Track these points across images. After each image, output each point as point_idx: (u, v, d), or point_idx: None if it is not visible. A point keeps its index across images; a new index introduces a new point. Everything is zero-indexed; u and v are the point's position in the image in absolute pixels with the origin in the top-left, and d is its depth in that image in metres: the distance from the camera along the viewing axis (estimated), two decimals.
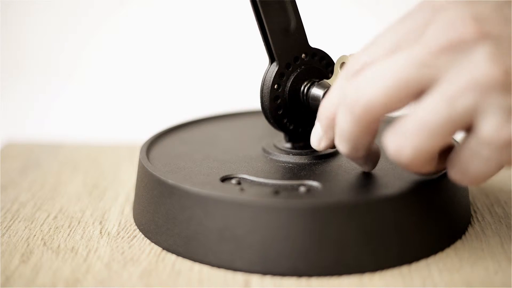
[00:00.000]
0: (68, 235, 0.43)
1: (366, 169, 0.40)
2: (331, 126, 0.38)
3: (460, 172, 0.35)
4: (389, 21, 0.36)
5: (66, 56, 0.71)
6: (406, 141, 0.34)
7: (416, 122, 0.33)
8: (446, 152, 0.36)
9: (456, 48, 0.33)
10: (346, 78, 0.36)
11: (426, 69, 0.33)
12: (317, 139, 0.40)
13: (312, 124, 0.45)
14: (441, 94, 0.33)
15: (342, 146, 0.37)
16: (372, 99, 0.34)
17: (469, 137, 0.34)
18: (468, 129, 0.34)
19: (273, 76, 0.43)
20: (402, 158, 0.34)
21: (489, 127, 0.32)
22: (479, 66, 0.32)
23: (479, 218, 0.44)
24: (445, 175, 0.40)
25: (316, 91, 0.43)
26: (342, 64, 0.42)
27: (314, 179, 0.40)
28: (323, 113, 0.38)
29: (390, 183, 0.40)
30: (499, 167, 0.34)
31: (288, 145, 0.45)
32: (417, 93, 0.33)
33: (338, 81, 0.37)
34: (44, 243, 0.42)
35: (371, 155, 0.39)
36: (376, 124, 0.35)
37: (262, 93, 0.43)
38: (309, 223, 0.36)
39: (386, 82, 0.33)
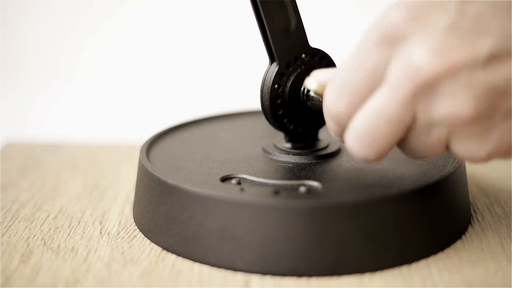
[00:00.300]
0: (68, 235, 0.43)
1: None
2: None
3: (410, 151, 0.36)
4: None
5: (66, 56, 0.71)
6: (354, 143, 0.35)
7: (409, 148, 0.35)
8: None
9: (423, 91, 0.33)
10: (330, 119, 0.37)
11: (405, 117, 0.34)
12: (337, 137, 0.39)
13: (312, 124, 0.45)
14: (418, 130, 0.34)
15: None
16: (375, 156, 0.35)
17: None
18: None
19: (273, 76, 0.43)
20: (358, 157, 0.35)
21: (462, 150, 0.34)
22: (448, 105, 0.33)
23: (479, 218, 0.44)
24: (445, 175, 0.40)
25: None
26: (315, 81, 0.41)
27: (314, 179, 0.40)
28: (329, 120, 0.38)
29: (390, 183, 0.40)
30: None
31: (288, 145, 0.45)
32: (406, 129, 0.34)
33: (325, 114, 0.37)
34: (44, 243, 0.42)
35: None
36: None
37: (262, 93, 0.43)
38: (309, 223, 0.36)
39: (372, 142, 0.34)
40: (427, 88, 0.32)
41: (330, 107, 0.36)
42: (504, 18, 0.32)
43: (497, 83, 0.32)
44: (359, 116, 0.34)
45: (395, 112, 0.33)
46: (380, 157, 0.35)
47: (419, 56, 0.32)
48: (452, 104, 0.32)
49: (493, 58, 0.32)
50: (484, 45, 0.32)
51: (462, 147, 0.34)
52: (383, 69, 0.34)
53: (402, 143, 0.35)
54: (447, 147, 0.35)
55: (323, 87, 0.39)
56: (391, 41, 0.33)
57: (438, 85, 0.32)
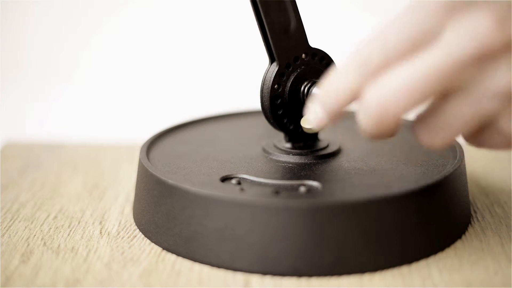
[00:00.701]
0: (68, 235, 0.43)
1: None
2: (337, 113, 0.36)
3: (477, 141, 0.36)
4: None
5: (66, 56, 0.71)
6: (434, 137, 0.35)
7: (441, 123, 0.34)
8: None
9: (483, 60, 0.32)
10: (360, 73, 0.34)
11: (451, 82, 0.33)
12: (318, 121, 0.37)
13: None
14: (465, 100, 0.33)
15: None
16: (395, 112, 0.33)
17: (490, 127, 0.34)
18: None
19: (273, 76, 0.43)
20: (432, 146, 0.35)
21: (508, 126, 0.34)
22: (505, 77, 0.32)
23: (479, 218, 0.44)
24: (445, 175, 0.40)
25: (316, 91, 0.43)
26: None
27: (314, 179, 0.40)
28: (330, 100, 0.35)
29: (390, 183, 0.40)
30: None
31: (288, 145, 0.45)
32: (444, 95, 0.34)
33: (347, 69, 0.34)
34: (44, 243, 0.42)
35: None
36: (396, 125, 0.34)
37: (262, 93, 0.43)
38: (309, 223, 0.36)
39: (409, 97, 0.33)
40: (488, 56, 0.32)
41: (363, 51, 0.34)
42: None
43: None
44: (408, 68, 0.33)
45: (448, 70, 0.32)
46: (393, 127, 0.34)
47: (484, 25, 0.32)
48: (508, 75, 0.32)
49: None
50: None
51: (509, 123, 0.33)
52: (433, 35, 0.33)
53: (433, 110, 0.34)
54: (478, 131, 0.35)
55: None
56: (456, 8, 0.32)
57: (500, 54, 0.32)
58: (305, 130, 0.41)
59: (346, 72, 0.35)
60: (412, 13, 0.33)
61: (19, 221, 0.45)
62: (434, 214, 0.39)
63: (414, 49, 0.33)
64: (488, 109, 0.33)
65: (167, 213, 0.40)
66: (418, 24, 0.33)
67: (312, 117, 0.37)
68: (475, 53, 0.32)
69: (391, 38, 0.33)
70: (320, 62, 0.44)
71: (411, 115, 0.35)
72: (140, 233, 0.43)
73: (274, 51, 0.42)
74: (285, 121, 0.44)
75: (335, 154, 0.45)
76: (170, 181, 0.40)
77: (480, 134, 0.35)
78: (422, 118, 0.35)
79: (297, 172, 0.42)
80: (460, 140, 0.38)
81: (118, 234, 0.43)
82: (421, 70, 0.32)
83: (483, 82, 0.33)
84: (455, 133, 0.34)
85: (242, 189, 0.39)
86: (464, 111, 0.33)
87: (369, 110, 0.34)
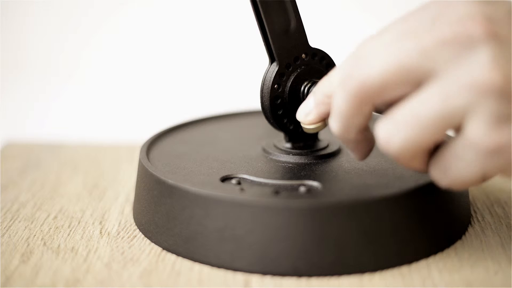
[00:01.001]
0: (68, 235, 0.43)
1: (356, 157, 0.39)
2: (324, 103, 0.37)
3: (440, 171, 0.34)
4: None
5: (66, 56, 0.71)
6: (396, 131, 0.33)
7: (408, 113, 0.33)
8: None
9: (461, 43, 0.32)
10: (350, 59, 0.35)
11: (428, 59, 0.32)
12: (306, 112, 0.39)
13: None
14: (438, 89, 0.32)
15: (334, 123, 0.36)
16: (368, 77, 0.33)
17: (456, 137, 0.33)
18: (459, 129, 0.33)
19: (273, 76, 0.43)
20: (390, 148, 0.34)
21: (476, 130, 0.32)
22: (480, 67, 0.32)
23: (479, 218, 0.44)
24: None
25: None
26: None
27: (314, 179, 0.40)
28: (320, 88, 0.38)
29: (390, 183, 0.40)
30: (483, 174, 0.33)
31: (288, 145, 0.45)
32: (415, 81, 0.33)
33: (343, 62, 0.36)
34: (44, 243, 0.42)
35: (363, 141, 0.37)
36: (369, 106, 0.34)
37: (262, 93, 0.43)
38: (309, 223, 0.36)
39: (383, 63, 0.33)
40: (465, 43, 0.32)
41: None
42: None
43: None
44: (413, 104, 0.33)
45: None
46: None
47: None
48: (482, 70, 0.31)
49: None
50: None
51: (477, 127, 0.32)
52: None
53: (402, 104, 0.34)
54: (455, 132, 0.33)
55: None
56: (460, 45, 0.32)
57: (477, 45, 0.32)
58: (306, 131, 0.41)
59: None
60: (417, 8, 0.34)
61: (19, 221, 0.45)
62: (434, 214, 0.39)
63: (409, 34, 0.33)
64: (456, 103, 0.32)
65: (167, 213, 0.40)
66: (418, 14, 0.34)
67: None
68: (452, 35, 0.32)
69: (392, 28, 0.34)
70: (320, 62, 0.44)
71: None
72: (140, 233, 0.43)
73: (274, 51, 0.42)
74: (285, 121, 0.44)
75: (335, 154, 0.45)
76: (170, 181, 0.40)
77: (445, 158, 0.34)
78: (389, 111, 0.34)
79: (297, 172, 0.42)
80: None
81: (118, 234, 0.43)
82: (405, 45, 0.33)
83: (455, 70, 0.32)
84: (417, 131, 0.33)
85: (242, 189, 0.39)
86: (431, 102, 0.32)
87: (347, 83, 0.34)
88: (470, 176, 0.33)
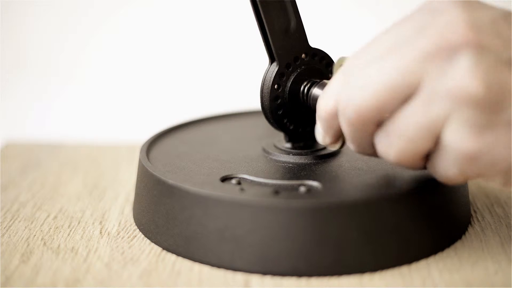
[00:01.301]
0: (68, 235, 0.43)
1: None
2: (331, 126, 0.38)
3: (431, 168, 0.36)
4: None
5: (66, 56, 0.71)
6: (389, 145, 0.35)
7: (397, 127, 0.34)
8: None
9: (443, 55, 0.33)
10: (340, 80, 0.36)
11: (411, 75, 0.33)
12: (321, 138, 0.40)
13: (312, 124, 0.45)
14: (420, 101, 0.33)
15: (350, 146, 0.38)
16: (361, 105, 0.35)
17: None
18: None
19: (273, 76, 0.43)
20: (389, 159, 0.36)
21: (454, 137, 0.33)
22: (461, 75, 0.32)
23: (479, 218, 0.44)
24: None
25: (316, 91, 0.43)
26: (341, 66, 0.42)
27: (314, 179, 0.40)
28: (321, 115, 0.38)
29: (390, 183, 0.40)
30: (464, 177, 0.35)
31: (288, 145, 0.45)
32: (404, 97, 0.34)
33: (334, 81, 0.37)
34: (44, 243, 0.41)
35: None
36: (372, 126, 0.35)
37: (262, 93, 0.43)
38: (309, 223, 0.36)
39: (373, 88, 0.34)
40: (444, 53, 0.32)
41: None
42: None
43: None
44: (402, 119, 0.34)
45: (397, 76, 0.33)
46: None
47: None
48: (462, 79, 0.32)
49: None
50: None
51: (454, 134, 0.33)
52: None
53: (392, 117, 0.35)
54: (436, 142, 0.34)
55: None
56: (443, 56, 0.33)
57: (459, 53, 0.32)
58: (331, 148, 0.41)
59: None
60: (403, 18, 0.35)
61: (19, 221, 0.45)
62: (434, 214, 0.39)
63: (394, 48, 0.34)
64: (437, 112, 0.33)
65: (167, 213, 0.40)
66: (403, 26, 0.34)
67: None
68: (435, 48, 0.33)
69: (378, 42, 0.35)
70: (320, 62, 0.44)
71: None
72: (140, 233, 0.43)
73: (274, 51, 0.42)
74: (285, 121, 0.44)
75: (335, 154, 0.45)
76: (170, 181, 0.40)
77: (434, 157, 0.35)
78: (383, 126, 0.35)
79: (297, 172, 0.42)
80: None
81: (118, 234, 0.43)
82: (388, 64, 0.34)
83: (437, 81, 0.33)
84: (408, 143, 0.34)
85: (242, 189, 0.39)
86: (415, 115, 0.33)
87: (345, 113, 0.36)
88: (452, 176, 0.35)
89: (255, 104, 0.46)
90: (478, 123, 0.32)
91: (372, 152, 0.38)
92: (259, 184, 0.40)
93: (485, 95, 0.32)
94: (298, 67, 0.43)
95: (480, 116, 0.32)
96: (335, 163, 0.43)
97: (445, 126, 0.33)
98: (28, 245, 0.41)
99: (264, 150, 0.45)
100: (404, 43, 0.34)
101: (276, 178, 0.41)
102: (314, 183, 0.40)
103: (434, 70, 0.33)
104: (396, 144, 0.35)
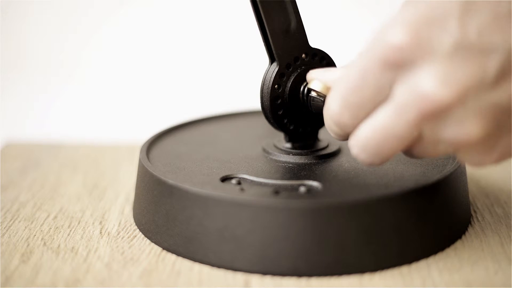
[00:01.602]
0: (68, 235, 0.43)
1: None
2: (339, 135, 0.38)
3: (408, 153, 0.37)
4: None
5: (66, 56, 0.71)
6: (361, 152, 0.36)
7: (363, 134, 0.35)
8: None
9: (432, 116, 0.33)
10: (338, 129, 0.37)
11: (411, 134, 0.34)
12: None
13: (312, 124, 0.45)
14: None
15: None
16: (380, 162, 0.36)
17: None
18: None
19: (273, 76, 0.43)
20: (364, 163, 0.36)
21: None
22: (455, 132, 0.33)
23: (479, 218, 0.44)
24: (445, 175, 0.40)
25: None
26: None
27: (314, 179, 0.40)
28: (330, 126, 0.38)
29: (390, 183, 0.40)
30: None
31: (288, 145, 0.45)
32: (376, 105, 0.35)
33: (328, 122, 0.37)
34: (44, 243, 0.42)
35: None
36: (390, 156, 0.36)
37: (262, 93, 0.43)
38: (309, 223, 0.36)
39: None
40: (434, 115, 0.33)
41: (335, 117, 0.36)
42: (505, 25, 0.32)
43: (503, 102, 0.32)
44: (365, 128, 0.35)
45: (401, 131, 0.34)
46: (385, 162, 0.36)
47: (427, 85, 0.32)
48: (460, 129, 0.33)
49: (499, 78, 0.32)
50: (490, 66, 0.32)
51: (468, 158, 0.35)
52: (388, 89, 0.34)
53: (407, 150, 0.36)
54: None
55: (328, 88, 0.40)
56: (395, 65, 0.33)
57: (447, 112, 0.32)
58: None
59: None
60: (361, 71, 0.35)
61: (19, 221, 0.45)
62: (434, 214, 0.39)
63: (377, 103, 0.35)
64: (446, 150, 0.35)
65: (167, 213, 0.40)
66: (370, 83, 0.34)
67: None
68: (424, 115, 0.33)
69: (356, 99, 0.35)
70: (320, 62, 0.44)
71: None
72: (140, 233, 0.43)
73: (274, 51, 0.42)
74: (285, 121, 0.44)
75: (335, 154, 0.45)
76: (170, 181, 0.40)
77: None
78: (355, 135, 0.36)
79: (297, 172, 0.42)
80: None
81: (118, 234, 0.43)
82: (379, 128, 0.34)
83: (436, 133, 0.34)
84: (375, 151, 0.35)
85: (242, 189, 0.39)
86: (425, 152, 0.35)
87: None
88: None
89: (255, 104, 0.46)
90: (486, 148, 0.34)
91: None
92: (259, 184, 0.40)
93: (484, 133, 0.33)
94: (298, 67, 0.43)
95: (486, 144, 0.34)
96: (335, 163, 0.43)
97: (457, 155, 0.35)
98: (28, 245, 0.41)
99: (264, 150, 0.45)
100: (387, 103, 0.35)
101: (276, 178, 0.41)
102: (314, 183, 0.40)
103: (429, 127, 0.34)
104: (364, 152, 0.36)
